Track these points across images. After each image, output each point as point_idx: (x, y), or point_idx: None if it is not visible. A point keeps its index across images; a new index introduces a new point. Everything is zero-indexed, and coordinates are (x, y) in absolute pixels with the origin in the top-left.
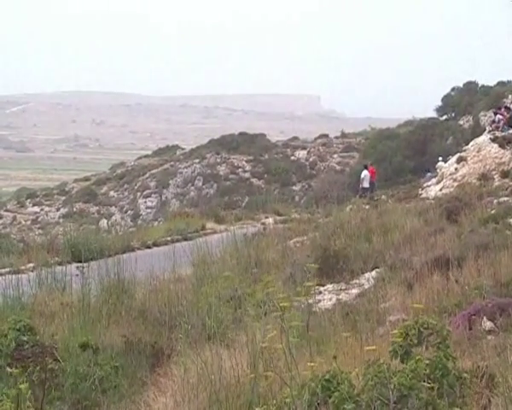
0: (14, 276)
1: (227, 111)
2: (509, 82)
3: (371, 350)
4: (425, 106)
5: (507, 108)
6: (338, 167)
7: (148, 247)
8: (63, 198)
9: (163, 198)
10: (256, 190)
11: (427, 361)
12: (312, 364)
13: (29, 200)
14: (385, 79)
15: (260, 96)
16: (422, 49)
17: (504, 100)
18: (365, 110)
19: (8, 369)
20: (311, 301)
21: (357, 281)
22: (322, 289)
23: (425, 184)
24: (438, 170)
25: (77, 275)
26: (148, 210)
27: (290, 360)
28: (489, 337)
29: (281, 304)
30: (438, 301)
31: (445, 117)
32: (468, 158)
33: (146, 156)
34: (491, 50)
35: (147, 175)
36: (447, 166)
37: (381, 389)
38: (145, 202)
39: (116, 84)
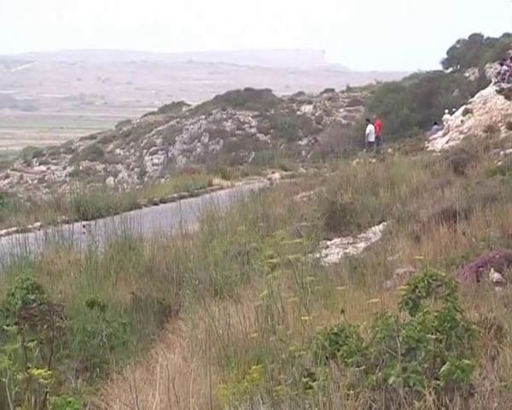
0: (21, 235)
1: (232, 67)
2: None
3: (375, 303)
4: (430, 59)
5: None
6: (344, 121)
7: (155, 204)
8: (69, 157)
9: (169, 155)
10: (262, 145)
11: (436, 313)
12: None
13: (35, 159)
14: (389, 32)
15: (265, 52)
16: (427, 2)
17: (510, 51)
18: (370, 64)
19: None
20: (317, 255)
21: (365, 235)
22: (329, 243)
23: (431, 137)
24: (444, 122)
25: (84, 233)
26: (155, 167)
27: (299, 314)
28: (496, 289)
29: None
30: (445, 254)
31: (450, 69)
32: (474, 110)
33: (152, 113)
34: (497, 1)
35: (153, 132)
36: (453, 119)
37: (390, 342)
38: (151, 159)
39: (121, 41)
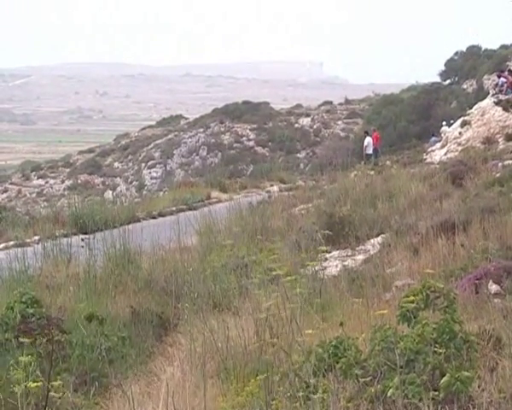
0: (19, 249)
1: (230, 79)
2: None
3: (380, 314)
4: (428, 71)
5: (510, 72)
6: (342, 134)
7: (154, 217)
8: (68, 170)
9: (168, 168)
10: (260, 158)
11: (434, 325)
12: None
13: (34, 173)
14: (388, 45)
15: (263, 64)
16: (425, 15)
17: (507, 63)
18: (368, 76)
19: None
20: (317, 267)
21: (363, 247)
22: (327, 255)
23: (429, 149)
24: (442, 134)
25: (82, 247)
26: (153, 180)
27: (296, 327)
28: (495, 300)
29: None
30: (444, 266)
31: (448, 81)
32: (472, 122)
33: (150, 127)
34: (495, 13)
35: (151, 145)
36: (451, 131)
37: (388, 354)
38: (150, 172)
39: (118, 55)
